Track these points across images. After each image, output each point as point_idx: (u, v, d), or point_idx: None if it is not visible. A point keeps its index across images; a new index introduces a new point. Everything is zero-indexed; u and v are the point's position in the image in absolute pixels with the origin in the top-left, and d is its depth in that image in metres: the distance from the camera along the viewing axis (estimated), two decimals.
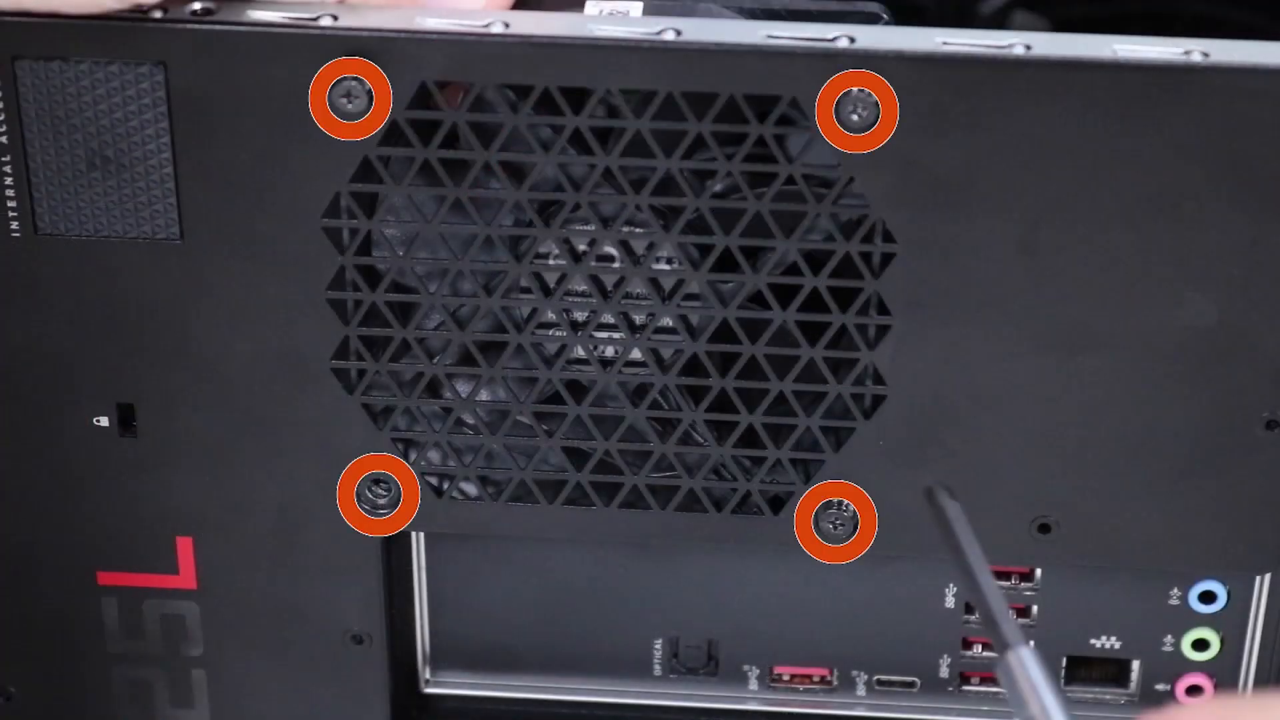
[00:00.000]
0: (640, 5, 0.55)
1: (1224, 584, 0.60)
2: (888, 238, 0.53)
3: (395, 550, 0.61)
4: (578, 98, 0.52)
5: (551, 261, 0.55)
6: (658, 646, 0.63)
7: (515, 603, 0.63)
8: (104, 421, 0.58)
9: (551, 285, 0.55)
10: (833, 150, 0.52)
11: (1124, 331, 0.54)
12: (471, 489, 0.58)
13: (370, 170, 0.53)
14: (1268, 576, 0.60)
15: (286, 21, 0.52)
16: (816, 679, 0.64)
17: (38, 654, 0.62)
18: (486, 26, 0.51)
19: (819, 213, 0.53)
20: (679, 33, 0.51)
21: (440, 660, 0.64)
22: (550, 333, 0.56)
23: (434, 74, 0.52)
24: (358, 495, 0.58)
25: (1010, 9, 0.71)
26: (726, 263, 0.55)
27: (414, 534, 0.61)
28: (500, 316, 0.56)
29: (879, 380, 0.55)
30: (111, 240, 0.55)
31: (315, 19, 0.52)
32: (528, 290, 0.55)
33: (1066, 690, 0.63)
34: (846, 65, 0.51)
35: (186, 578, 0.60)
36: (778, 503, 0.58)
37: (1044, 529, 0.57)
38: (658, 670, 0.64)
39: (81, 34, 0.52)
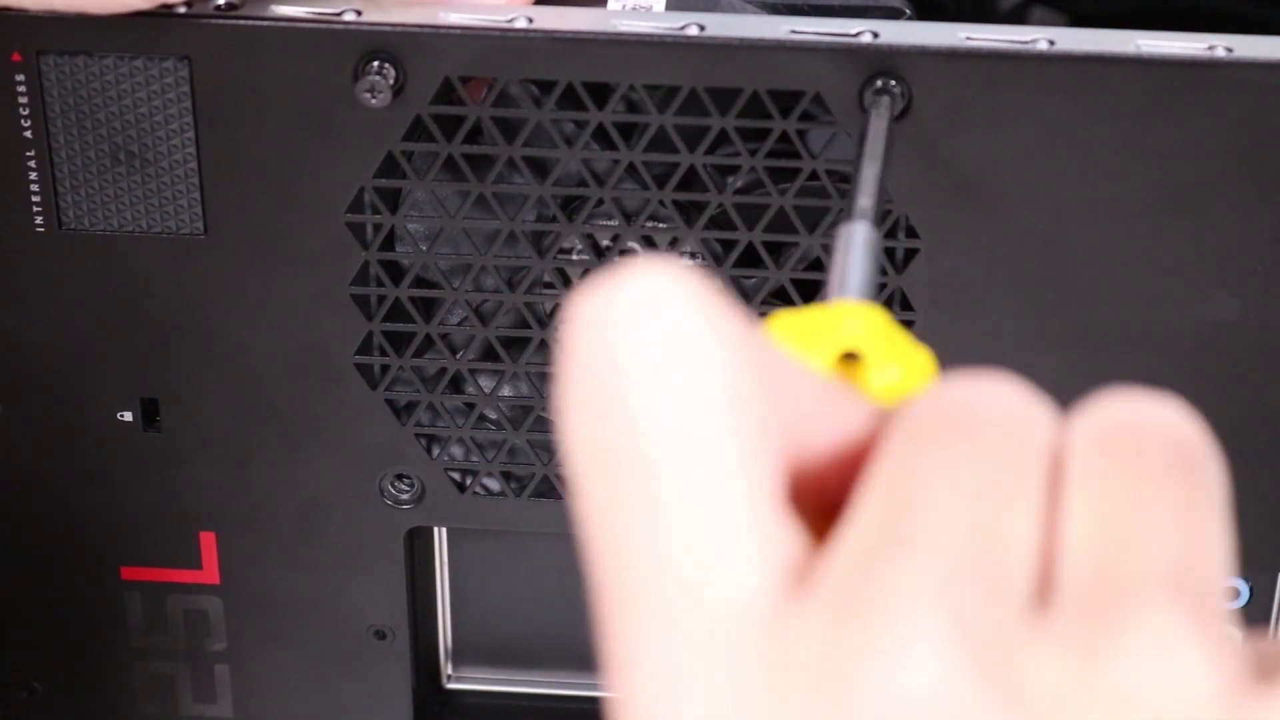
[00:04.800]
0: (663, 0, 0.55)
1: (1246, 581, 0.60)
2: (911, 233, 0.53)
3: (418, 546, 0.61)
4: (601, 93, 0.52)
5: (574, 256, 0.55)
6: None
7: (537, 598, 0.63)
8: (127, 416, 0.58)
9: (574, 280, 0.55)
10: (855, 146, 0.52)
11: (1148, 328, 0.54)
12: (494, 484, 0.58)
13: (394, 165, 0.53)
14: None
15: (310, 17, 0.52)
16: None
17: (61, 649, 0.62)
18: (510, 22, 0.51)
19: (842, 208, 0.53)
20: (702, 28, 0.51)
21: (462, 656, 0.64)
22: None
23: (457, 69, 0.52)
24: (380, 490, 0.58)
25: (1028, 4, 0.70)
26: (749, 258, 0.55)
27: (436, 529, 0.61)
28: (523, 312, 0.56)
29: None
30: (135, 235, 0.55)
31: (339, 14, 0.52)
32: (551, 285, 0.56)
33: None
34: (870, 60, 0.51)
35: (210, 573, 0.60)
36: None
37: None
38: None
39: (106, 29, 0.52)
